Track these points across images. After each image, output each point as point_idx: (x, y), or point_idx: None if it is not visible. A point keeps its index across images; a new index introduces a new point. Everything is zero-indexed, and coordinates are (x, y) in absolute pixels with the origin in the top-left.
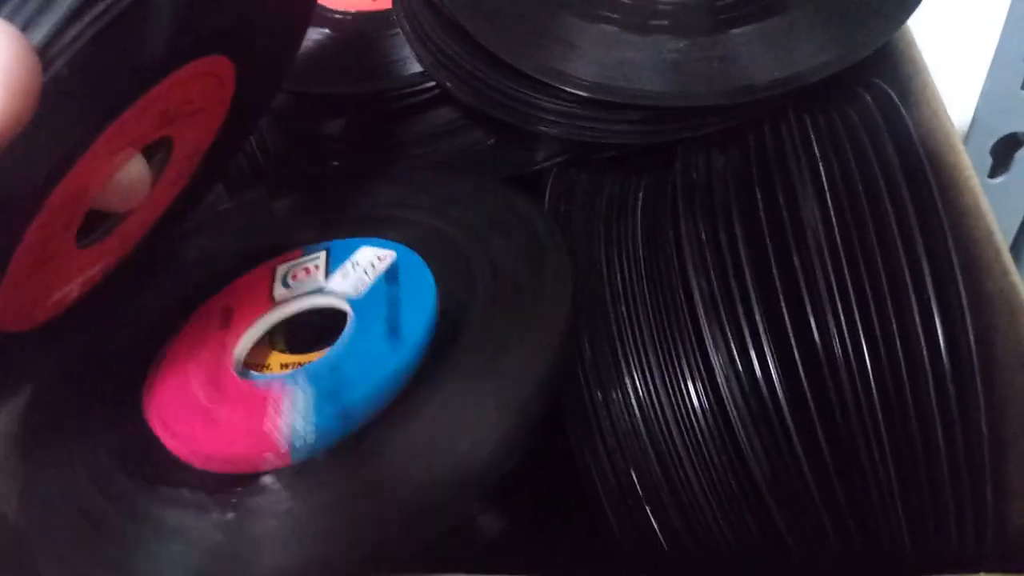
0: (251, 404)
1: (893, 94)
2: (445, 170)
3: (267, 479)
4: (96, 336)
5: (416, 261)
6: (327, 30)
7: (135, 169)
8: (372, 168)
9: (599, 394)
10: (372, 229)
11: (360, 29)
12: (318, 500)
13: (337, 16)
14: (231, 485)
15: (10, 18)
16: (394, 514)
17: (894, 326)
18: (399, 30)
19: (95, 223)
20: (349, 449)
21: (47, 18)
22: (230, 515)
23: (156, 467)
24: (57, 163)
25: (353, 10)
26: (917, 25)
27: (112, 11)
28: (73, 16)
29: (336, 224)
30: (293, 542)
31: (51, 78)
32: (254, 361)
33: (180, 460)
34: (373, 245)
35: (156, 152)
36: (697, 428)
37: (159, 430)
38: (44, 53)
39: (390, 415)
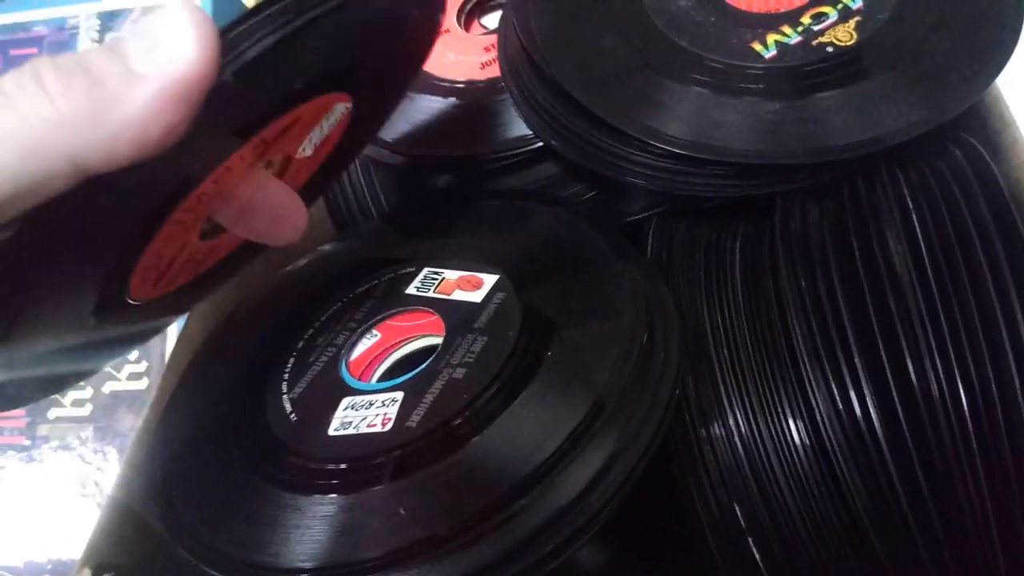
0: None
1: (982, 149)
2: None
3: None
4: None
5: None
6: (442, 97)
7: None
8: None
9: (703, 431)
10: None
11: (472, 96)
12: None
13: (445, 84)
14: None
15: None
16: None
17: (988, 367)
18: (506, 96)
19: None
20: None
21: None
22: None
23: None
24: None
25: (464, 79)
26: (1005, 81)
27: (284, 29)
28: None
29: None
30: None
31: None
32: None
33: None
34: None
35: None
36: (798, 464)
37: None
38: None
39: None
